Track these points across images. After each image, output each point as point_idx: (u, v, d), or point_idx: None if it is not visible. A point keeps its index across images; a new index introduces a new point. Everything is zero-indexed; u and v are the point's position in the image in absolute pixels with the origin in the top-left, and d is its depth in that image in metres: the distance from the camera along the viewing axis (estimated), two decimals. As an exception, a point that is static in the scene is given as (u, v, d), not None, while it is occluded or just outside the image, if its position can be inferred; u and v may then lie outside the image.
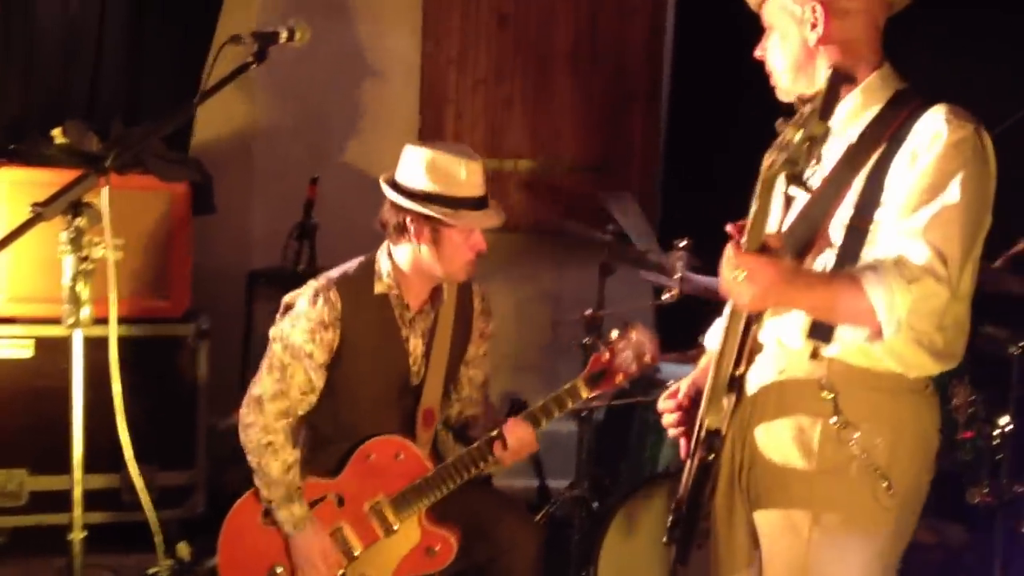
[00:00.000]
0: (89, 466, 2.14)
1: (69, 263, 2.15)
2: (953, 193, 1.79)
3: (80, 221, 2.14)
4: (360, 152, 4.40)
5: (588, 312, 3.63)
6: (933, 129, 1.84)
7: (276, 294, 4.02)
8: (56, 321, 2.17)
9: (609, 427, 4.00)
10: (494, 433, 2.65)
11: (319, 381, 2.67)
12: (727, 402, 1.94)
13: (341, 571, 2.68)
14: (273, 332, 2.70)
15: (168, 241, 3.55)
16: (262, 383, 2.67)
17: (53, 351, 3.28)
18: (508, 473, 4.36)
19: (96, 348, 2.23)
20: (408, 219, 2.60)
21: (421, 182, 2.60)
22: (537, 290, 4.57)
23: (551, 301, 4.57)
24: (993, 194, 1.87)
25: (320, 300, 2.63)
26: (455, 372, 2.84)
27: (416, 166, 2.62)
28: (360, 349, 2.67)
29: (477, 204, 2.63)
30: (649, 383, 3.53)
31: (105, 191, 2.23)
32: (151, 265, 3.50)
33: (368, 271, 2.69)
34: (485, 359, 2.92)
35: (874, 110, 1.92)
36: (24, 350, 3.41)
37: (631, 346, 2.64)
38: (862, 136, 1.90)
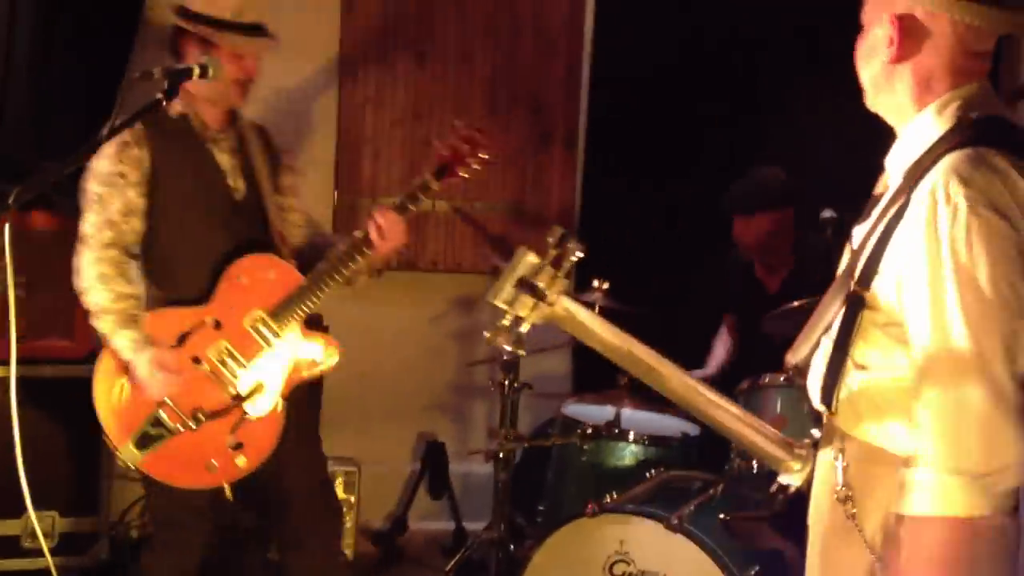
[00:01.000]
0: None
1: (-36, 303, 2.09)
2: (952, 324, 1.52)
3: (-24, 259, 2.08)
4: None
5: (502, 352, 3.63)
6: (922, 198, 1.56)
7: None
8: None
9: (525, 468, 3.99)
10: (362, 232, 2.75)
11: (139, 201, 2.70)
12: None
13: (233, 390, 2.71)
14: (83, 186, 2.72)
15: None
16: (85, 221, 2.69)
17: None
18: (424, 516, 4.35)
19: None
20: (181, 40, 2.74)
21: (196, 5, 2.73)
22: (452, 330, 4.55)
23: (466, 341, 4.55)
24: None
25: (113, 129, 2.66)
26: (278, 202, 2.91)
27: None
28: (174, 168, 2.73)
29: (249, 30, 2.75)
30: (566, 424, 3.53)
31: (7, 228, 2.17)
32: (54, 304, 3.40)
33: (156, 102, 2.65)
34: (299, 193, 3.01)
35: (916, 152, 1.66)
36: None
37: (465, 139, 2.83)
38: (897, 187, 1.66)
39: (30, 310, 3.19)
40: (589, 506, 2.95)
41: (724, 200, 3.77)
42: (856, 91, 1.80)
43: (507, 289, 1.76)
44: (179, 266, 2.78)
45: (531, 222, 4.47)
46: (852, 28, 1.79)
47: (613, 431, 3.39)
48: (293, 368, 2.79)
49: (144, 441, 2.68)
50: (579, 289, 4.19)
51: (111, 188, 2.68)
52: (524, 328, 1.78)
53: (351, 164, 4.40)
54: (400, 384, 4.48)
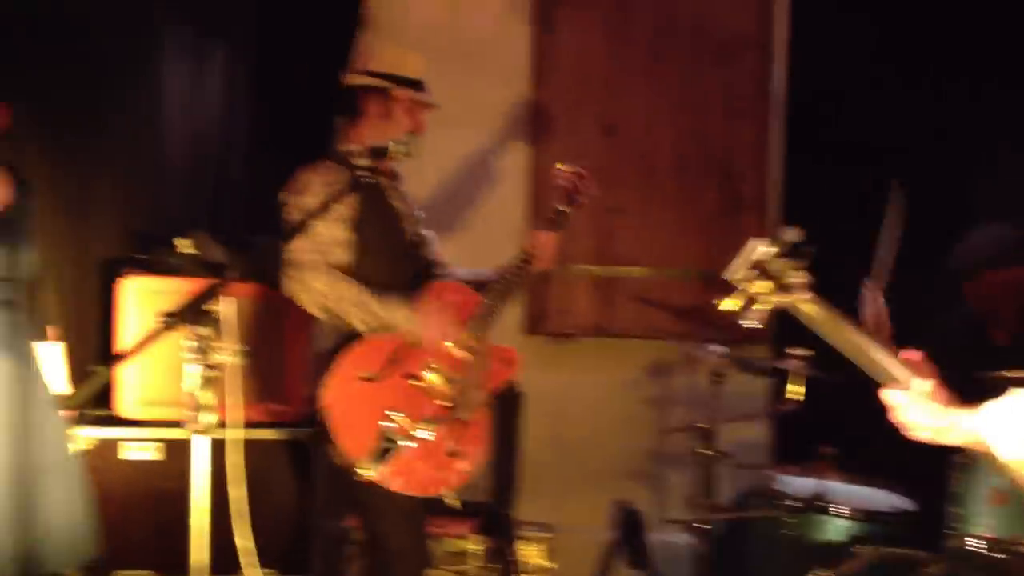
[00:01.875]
0: (212, 569, 2.14)
1: (192, 370, 2.22)
2: None
3: (203, 329, 2.23)
4: (468, 261, 4.45)
5: (699, 420, 3.58)
6: None
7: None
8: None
9: (725, 541, 3.88)
10: (522, 252, 3.15)
11: (343, 235, 2.95)
12: None
13: (449, 402, 2.96)
14: (291, 216, 2.95)
15: (288, 347, 3.63)
16: (293, 248, 2.90)
17: (180, 454, 3.33)
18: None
19: (220, 451, 2.26)
20: (363, 96, 3.09)
21: (375, 66, 3.11)
22: (646, 396, 4.51)
23: (661, 408, 4.50)
24: None
25: (324, 168, 2.98)
26: None
27: (371, 57, 3.15)
28: (365, 207, 2.98)
29: (419, 86, 3.13)
30: (768, 496, 3.43)
31: (228, 300, 2.31)
32: (272, 371, 3.57)
33: (342, 155, 3.03)
34: None
35: None
36: (151, 452, 3.49)
37: (573, 176, 3.29)
38: None
39: (248, 376, 3.36)
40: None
41: (949, 261, 3.61)
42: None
43: (742, 270, 1.91)
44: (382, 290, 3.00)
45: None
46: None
47: (818, 504, 3.26)
48: (490, 375, 3.07)
49: (381, 455, 2.86)
50: (776, 356, 4.11)
51: (318, 220, 2.87)
52: (760, 308, 1.91)
53: (544, 232, 4.45)
54: (595, 450, 4.46)
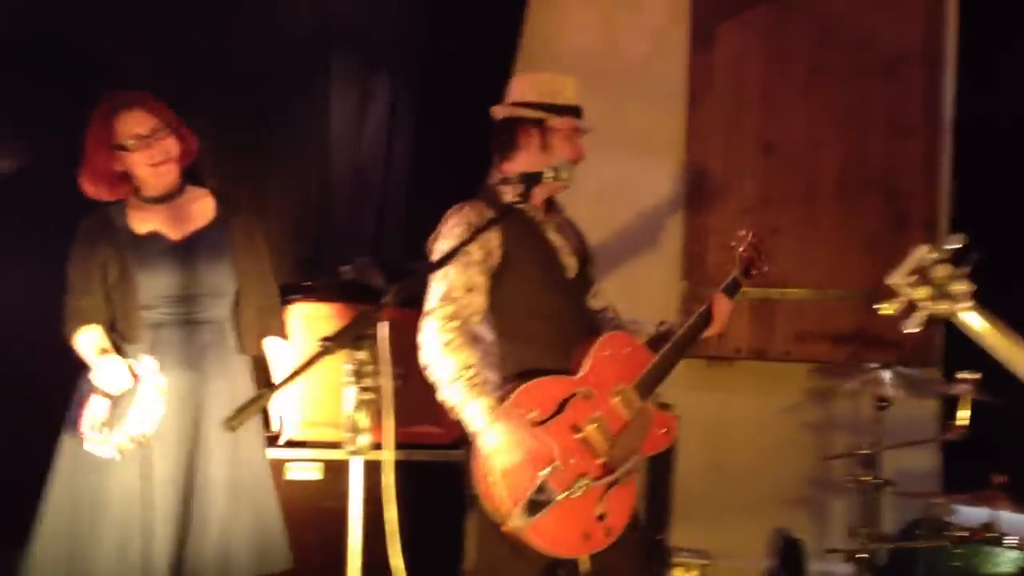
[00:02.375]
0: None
1: (351, 393, 2.30)
2: None
3: (361, 354, 2.30)
4: (623, 285, 4.45)
5: (862, 446, 3.48)
6: None
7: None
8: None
9: (892, 572, 3.75)
10: (703, 308, 2.99)
11: (480, 279, 2.82)
12: None
13: (606, 459, 2.78)
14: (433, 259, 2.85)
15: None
16: (430, 295, 2.83)
17: (340, 474, 3.45)
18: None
19: (376, 472, 2.34)
20: (518, 128, 2.94)
21: (530, 96, 2.96)
22: (807, 421, 4.41)
23: (822, 433, 4.38)
24: None
25: (462, 210, 2.87)
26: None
27: (524, 87, 2.99)
28: (517, 245, 2.86)
29: (576, 112, 2.96)
30: (936, 526, 3.30)
31: (384, 325, 2.39)
32: (426, 394, 3.65)
33: (490, 191, 2.95)
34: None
35: None
36: (314, 472, 3.62)
37: (754, 246, 3.18)
38: None
39: (404, 399, 3.46)
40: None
41: None
42: None
43: (902, 274, 1.96)
44: (534, 337, 2.88)
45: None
46: None
47: (989, 535, 3.13)
48: (647, 440, 2.90)
49: (532, 507, 2.69)
50: (945, 379, 3.95)
51: (455, 265, 2.80)
52: (920, 315, 1.95)
53: (698, 255, 4.43)
54: (753, 476, 4.39)
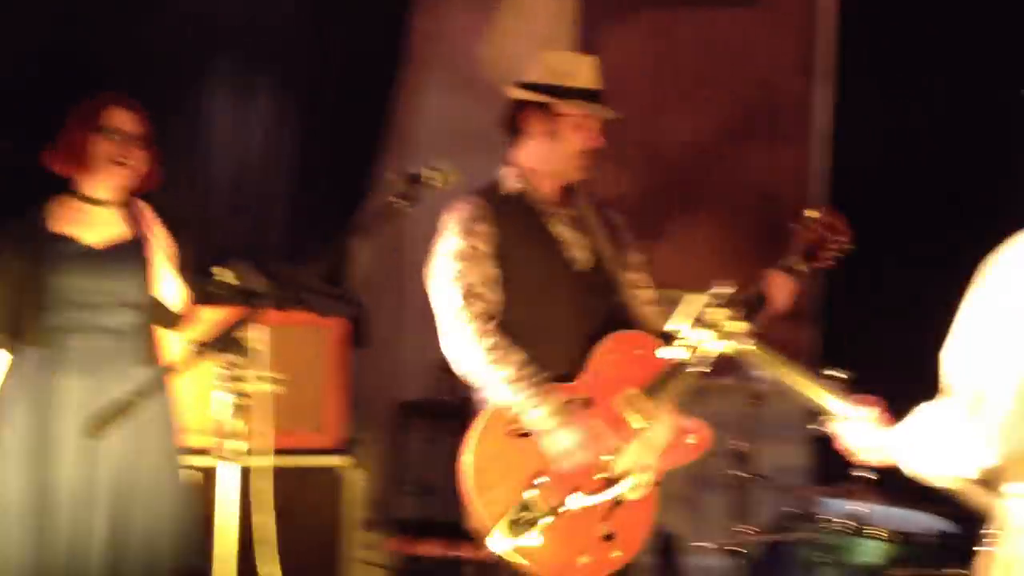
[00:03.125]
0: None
1: (222, 398, 2.28)
2: None
3: (233, 357, 2.28)
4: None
5: (736, 443, 3.57)
6: None
7: (427, 426, 4.14)
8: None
9: (764, 564, 3.85)
10: (755, 294, 2.72)
11: (494, 272, 2.64)
12: None
13: (606, 472, 2.55)
14: (432, 265, 2.72)
15: (324, 374, 3.67)
16: (446, 304, 2.63)
17: (213, 482, 3.38)
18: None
19: (249, 480, 2.31)
20: (523, 113, 2.70)
21: (537, 77, 2.70)
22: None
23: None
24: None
25: (457, 208, 2.69)
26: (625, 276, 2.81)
27: (534, 66, 2.73)
28: (514, 241, 2.67)
29: (592, 96, 2.70)
30: (808, 519, 3.40)
31: (261, 328, 2.36)
32: (307, 398, 3.62)
33: (492, 183, 2.76)
34: (646, 268, 2.93)
35: None
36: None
37: (827, 225, 2.86)
38: None
39: (283, 404, 3.42)
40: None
41: None
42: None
43: (680, 322, 2.06)
44: (529, 337, 2.63)
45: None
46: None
47: (858, 527, 3.23)
48: (666, 451, 2.66)
49: (516, 527, 2.48)
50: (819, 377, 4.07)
51: (468, 262, 2.64)
52: (700, 351, 2.06)
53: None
54: (632, 475, 4.45)
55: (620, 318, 2.76)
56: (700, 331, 2.05)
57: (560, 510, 2.50)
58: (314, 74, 4.21)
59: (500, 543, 2.48)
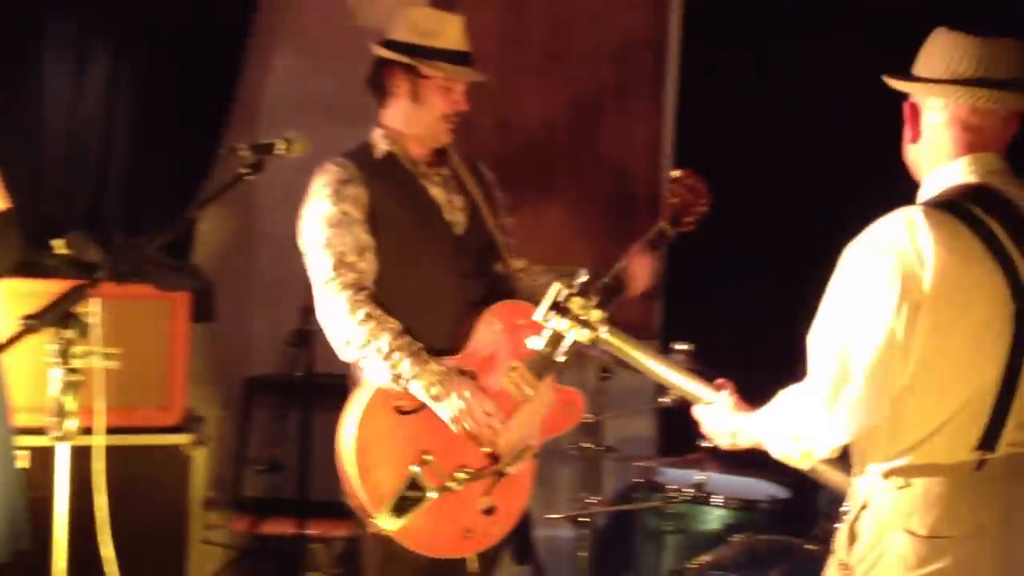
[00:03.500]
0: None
1: (56, 375, 2.18)
2: None
3: (68, 332, 2.18)
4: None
5: (585, 416, 3.62)
6: None
7: (273, 401, 4.07)
8: (51, 432, 2.17)
9: (611, 534, 3.95)
10: (611, 276, 2.66)
11: (366, 237, 2.55)
12: None
13: (489, 448, 2.53)
14: (302, 231, 2.62)
15: (166, 350, 3.55)
16: (318, 272, 2.54)
17: (48, 463, 3.25)
18: (511, 582, 4.33)
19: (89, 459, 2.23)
20: (387, 72, 2.63)
21: (401, 35, 2.62)
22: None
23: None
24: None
25: (325, 170, 2.59)
26: (501, 237, 2.77)
27: (399, 23, 2.65)
28: (389, 204, 2.59)
29: (457, 58, 2.63)
30: (651, 489, 3.50)
31: (97, 301, 2.27)
32: (148, 374, 3.50)
33: (363, 145, 2.68)
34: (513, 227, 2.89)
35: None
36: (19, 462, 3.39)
37: (691, 190, 2.80)
38: None
39: (123, 380, 3.30)
40: (672, 572, 2.91)
41: None
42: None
43: (544, 311, 2.12)
44: (408, 306, 2.57)
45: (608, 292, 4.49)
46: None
47: (698, 495, 3.34)
48: (545, 422, 2.65)
49: (402, 506, 2.46)
50: (663, 352, 4.18)
51: (338, 228, 2.55)
52: (565, 343, 2.14)
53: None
54: (484, 448, 4.48)
55: (500, 285, 2.72)
56: (557, 320, 2.10)
57: (447, 486, 2.48)
58: (154, 40, 4.04)
59: (387, 522, 2.45)
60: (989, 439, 1.84)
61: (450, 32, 2.63)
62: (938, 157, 1.95)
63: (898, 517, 1.86)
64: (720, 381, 2.17)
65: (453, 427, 2.49)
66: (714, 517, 3.37)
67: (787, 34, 4.29)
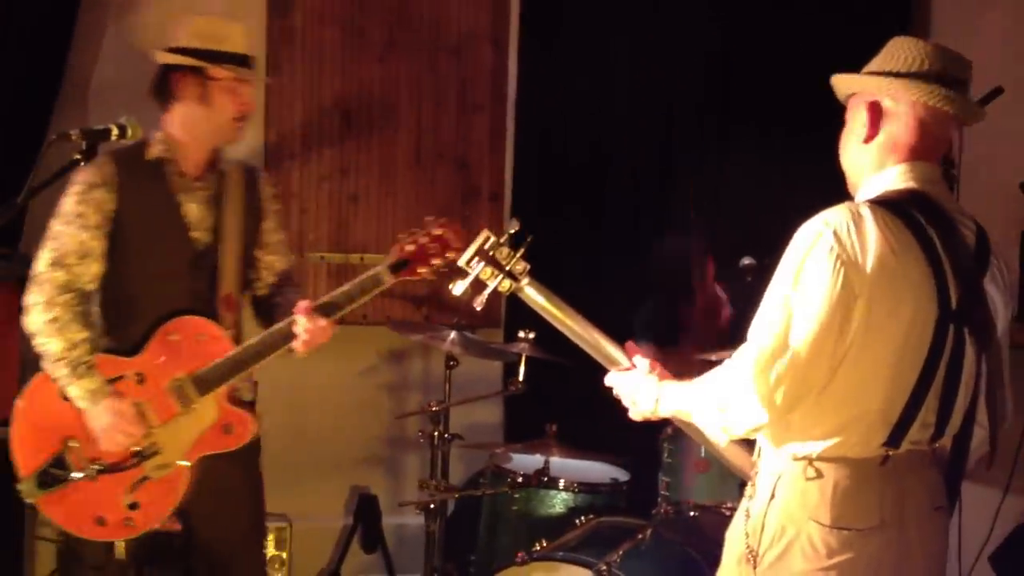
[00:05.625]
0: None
1: None
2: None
3: None
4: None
5: (432, 404, 3.65)
6: None
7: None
8: None
9: (458, 519, 3.99)
10: (291, 319, 2.64)
11: (95, 243, 2.65)
12: None
13: (137, 448, 2.65)
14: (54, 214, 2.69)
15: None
16: (39, 258, 2.66)
17: None
18: (357, 571, 4.33)
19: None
20: (174, 77, 2.67)
21: (186, 41, 2.67)
22: (382, 382, 4.56)
23: (397, 393, 4.56)
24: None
25: (89, 166, 2.61)
26: (250, 255, 2.85)
27: (182, 30, 2.69)
28: (137, 215, 2.67)
29: (243, 61, 2.71)
30: (497, 474, 3.55)
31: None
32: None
33: (141, 143, 2.69)
34: (282, 246, 2.95)
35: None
36: None
37: (436, 240, 2.66)
38: None
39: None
40: (518, 555, 2.97)
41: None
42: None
43: (468, 257, 2.16)
44: (133, 316, 2.70)
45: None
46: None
47: (543, 479, 3.41)
48: (202, 437, 2.70)
49: (44, 479, 2.64)
50: (507, 340, 4.25)
51: (68, 227, 2.64)
52: (486, 292, 2.17)
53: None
54: (331, 438, 4.47)
55: (212, 303, 2.76)
56: (481, 267, 2.13)
57: (85, 473, 2.63)
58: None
59: (28, 490, 2.64)
60: (896, 437, 1.91)
61: (234, 37, 2.71)
62: (885, 159, 1.99)
63: (807, 508, 1.91)
64: (631, 344, 2.18)
65: (96, 435, 2.64)
66: (559, 500, 3.45)
67: (623, 27, 4.43)
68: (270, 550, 3.93)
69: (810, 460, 1.92)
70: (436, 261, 2.65)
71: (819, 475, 1.91)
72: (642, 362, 2.14)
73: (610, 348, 2.19)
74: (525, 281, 2.16)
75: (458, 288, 2.20)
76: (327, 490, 4.46)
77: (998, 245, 2.06)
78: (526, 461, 3.59)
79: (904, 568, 1.92)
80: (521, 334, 3.59)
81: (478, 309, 2.21)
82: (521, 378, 3.56)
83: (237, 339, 2.76)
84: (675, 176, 4.41)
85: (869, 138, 2.00)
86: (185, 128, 2.70)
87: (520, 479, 3.42)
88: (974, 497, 2.67)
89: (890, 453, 1.91)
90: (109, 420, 2.61)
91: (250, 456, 2.86)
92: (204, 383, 2.68)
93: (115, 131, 2.50)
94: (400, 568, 4.26)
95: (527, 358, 3.54)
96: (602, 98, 4.42)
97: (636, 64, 4.46)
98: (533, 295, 2.16)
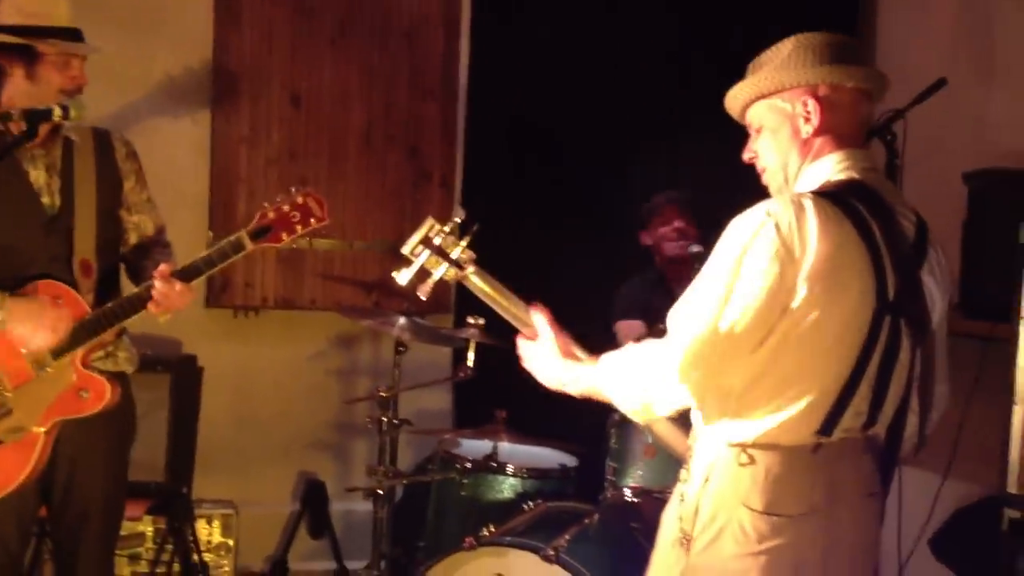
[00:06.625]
0: None
1: None
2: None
3: None
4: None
5: (381, 390, 3.65)
6: None
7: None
8: None
9: (407, 505, 3.99)
10: (150, 283, 2.63)
11: None
12: None
13: None
14: None
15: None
16: None
17: None
18: (304, 557, 4.32)
19: None
20: (1, 56, 2.64)
21: (10, 18, 2.65)
22: (331, 368, 4.54)
23: (346, 379, 4.54)
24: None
25: None
26: (112, 218, 2.83)
27: (5, 6, 2.66)
28: None
29: (71, 35, 2.69)
30: (445, 460, 3.56)
31: None
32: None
33: None
34: (148, 205, 2.92)
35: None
36: None
37: (298, 208, 2.68)
38: None
39: None
40: (466, 540, 2.97)
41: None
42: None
43: (413, 244, 2.14)
44: None
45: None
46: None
47: (491, 465, 3.42)
48: (56, 402, 2.67)
49: None
50: (456, 326, 4.25)
51: None
52: (431, 280, 2.15)
53: (225, 203, 4.36)
54: (279, 423, 4.44)
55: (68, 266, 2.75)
56: (426, 255, 2.12)
57: None
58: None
59: None
60: (828, 425, 1.92)
61: (59, 12, 2.70)
62: (821, 148, 2.00)
63: (739, 493, 1.93)
64: (543, 313, 2.18)
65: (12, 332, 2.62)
66: (508, 486, 3.46)
67: (577, 12, 4.44)
68: (216, 536, 3.91)
69: (744, 447, 1.94)
70: (299, 228, 2.68)
71: (752, 461, 1.93)
72: (545, 329, 2.15)
73: (544, 326, 2.17)
74: (471, 270, 2.17)
75: (403, 277, 2.18)
76: (274, 476, 4.44)
77: (938, 236, 2.09)
78: (475, 447, 3.60)
79: (834, 553, 1.95)
80: (471, 320, 3.58)
81: (423, 299, 2.21)
82: (470, 364, 3.57)
83: (98, 303, 2.72)
84: (629, 162, 4.43)
85: (817, 129, 1.99)
86: (13, 103, 2.65)
87: (469, 465, 3.42)
88: (914, 482, 2.74)
89: (822, 441, 1.93)
90: (39, 317, 2.59)
91: (112, 426, 2.81)
92: (58, 347, 2.66)
93: (58, 112, 2.49)
94: (348, 554, 4.25)
95: (477, 344, 3.54)
96: (555, 84, 4.42)
97: (590, 49, 4.47)
98: (478, 283, 2.17)
